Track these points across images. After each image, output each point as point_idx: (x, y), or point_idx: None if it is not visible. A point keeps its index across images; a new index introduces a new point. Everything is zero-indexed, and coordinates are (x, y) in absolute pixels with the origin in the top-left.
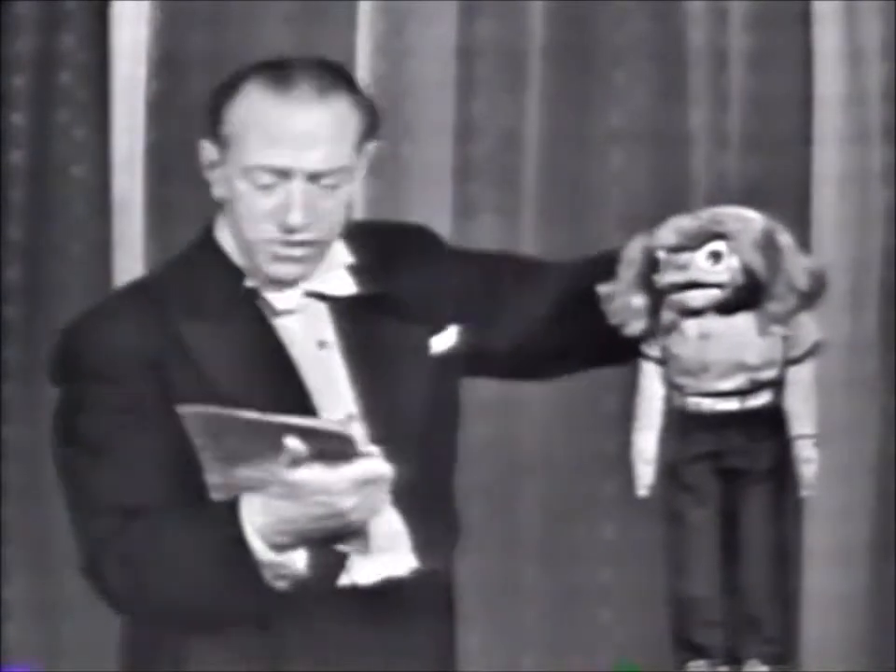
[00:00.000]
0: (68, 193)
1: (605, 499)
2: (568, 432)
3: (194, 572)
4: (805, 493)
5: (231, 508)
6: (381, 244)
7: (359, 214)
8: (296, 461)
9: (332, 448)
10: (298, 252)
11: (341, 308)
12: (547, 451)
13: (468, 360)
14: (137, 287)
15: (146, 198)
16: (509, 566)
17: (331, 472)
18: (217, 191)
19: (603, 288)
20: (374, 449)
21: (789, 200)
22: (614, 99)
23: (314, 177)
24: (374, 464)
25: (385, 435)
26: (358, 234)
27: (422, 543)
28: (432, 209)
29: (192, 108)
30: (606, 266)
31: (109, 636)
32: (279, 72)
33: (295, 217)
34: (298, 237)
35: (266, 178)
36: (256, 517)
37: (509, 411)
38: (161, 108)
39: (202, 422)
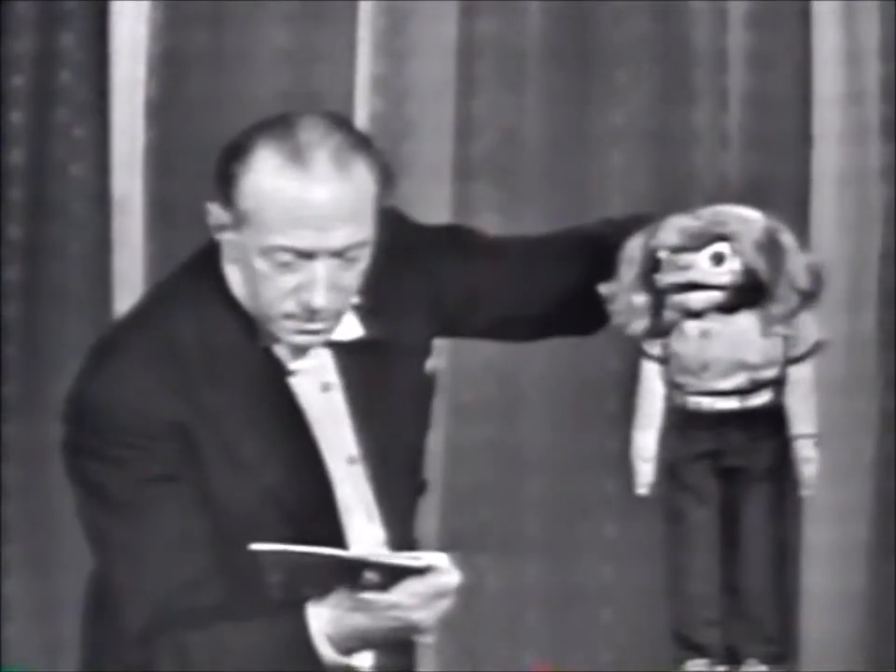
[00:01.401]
0: (67, 192)
1: (606, 498)
2: (570, 431)
3: None
4: (804, 492)
5: (298, 617)
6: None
7: None
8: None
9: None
10: (320, 326)
11: (344, 351)
12: (548, 450)
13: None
14: (148, 331)
15: (145, 197)
16: (510, 564)
17: (403, 590)
18: (229, 254)
19: (605, 288)
20: (442, 557)
21: (788, 199)
22: (615, 98)
23: (336, 254)
24: (445, 577)
25: (381, 473)
26: None
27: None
28: (432, 208)
29: (192, 107)
30: (572, 240)
31: None
32: (291, 141)
33: (318, 300)
34: (314, 319)
35: (287, 257)
36: (325, 627)
37: (510, 410)
38: (160, 107)
39: (275, 558)
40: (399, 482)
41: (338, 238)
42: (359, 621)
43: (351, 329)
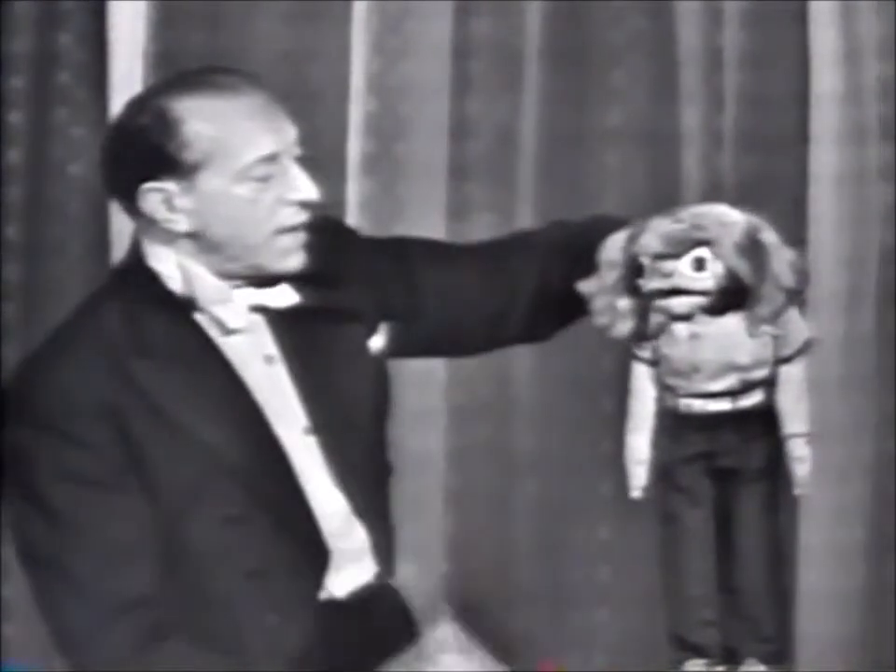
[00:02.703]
0: (66, 192)
1: (601, 500)
2: (564, 433)
3: None
4: (798, 492)
5: None
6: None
7: (354, 213)
8: None
9: None
10: (301, 237)
11: (279, 321)
12: (543, 452)
13: (398, 350)
14: (79, 326)
15: None
16: (504, 566)
17: None
18: (183, 225)
19: (584, 287)
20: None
21: (785, 198)
22: (610, 98)
23: (291, 153)
24: None
25: (337, 443)
26: None
27: (375, 546)
28: (427, 208)
29: None
30: (523, 244)
31: None
32: (203, 83)
33: (310, 191)
34: (306, 216)
35: (262, 169)
36: None
37: (504, 412)
38: None
39: None
40: (353, 455)
41: (289, 130)
42: None
43: (286, 295)
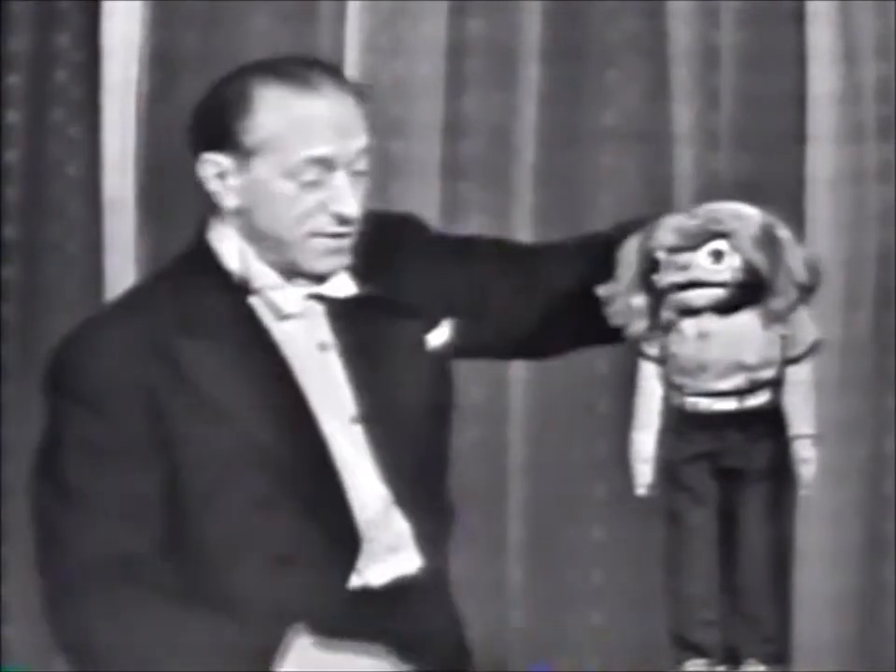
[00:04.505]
0: (63, 192)
1: (595, 501)
2: (558, 434)
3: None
4: (803, 492)
5: (272, 636)
6: (371, 238)
7: None
8: None
9: None
10: (343, 243)
11: (337, 309)
12: (537, 453)
13: (462, 349)
14: (130, 302)
15: (137, 196)
16: (498, 568)
17: None
18: (230, 201)
19: (603, 290)
20: None
21: (782, 199)
22: (606, 97)
23: (350, 164)
24: None
25: (384, 434)
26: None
27: (420, 539)
28: (421, 207)
29: (184, 107)
30: (596, 248)
31: None
32: (290, 73)
33: (350, 208)
34: (347, 228)
35: (312, 173)
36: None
37: (498, 413)
38: (152, 107)
39: None
40: (400, 446)
41: (354, 142)
42: None
43: (345, 285)
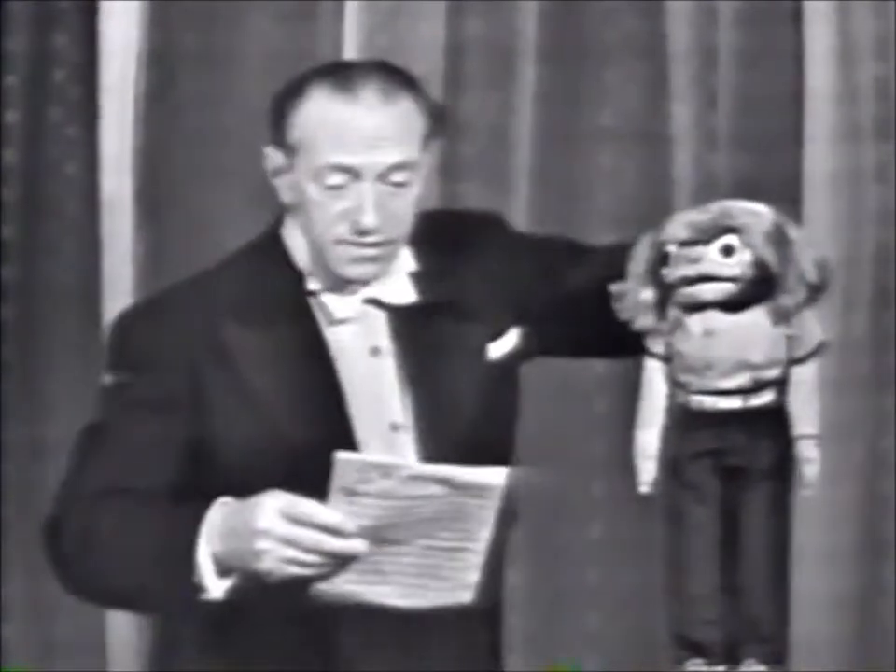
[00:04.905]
0: (60, 192)
1: (592, 500)
2: (555, 433)
3: (148, 558)
4: (805, 493)
5: (197, 509)
6: (448, 236)
7: None
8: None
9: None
10: (371, 252)
11: (399, 315)
12: (533, 452)
13: (528, 352)
14: (193, 283)
15: (135, 196)
16: None
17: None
18: (286, 196)
19: (615, 287)
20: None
21: (779, 199)
22: (603, 97)
23: (383, 176)
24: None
25: (432, 442)
26: (425, 230)
27: None
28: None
29: (181, 107)
30: None
31: (106, 636)
32: (343, 76)
33: (368, 219)
34: (370, 238)
35: (337, 178)
36: (216, 530)
37: None
38: (150, 107)
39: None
40: (448, 457)
41: (383, 156)
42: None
43: (405, 293)
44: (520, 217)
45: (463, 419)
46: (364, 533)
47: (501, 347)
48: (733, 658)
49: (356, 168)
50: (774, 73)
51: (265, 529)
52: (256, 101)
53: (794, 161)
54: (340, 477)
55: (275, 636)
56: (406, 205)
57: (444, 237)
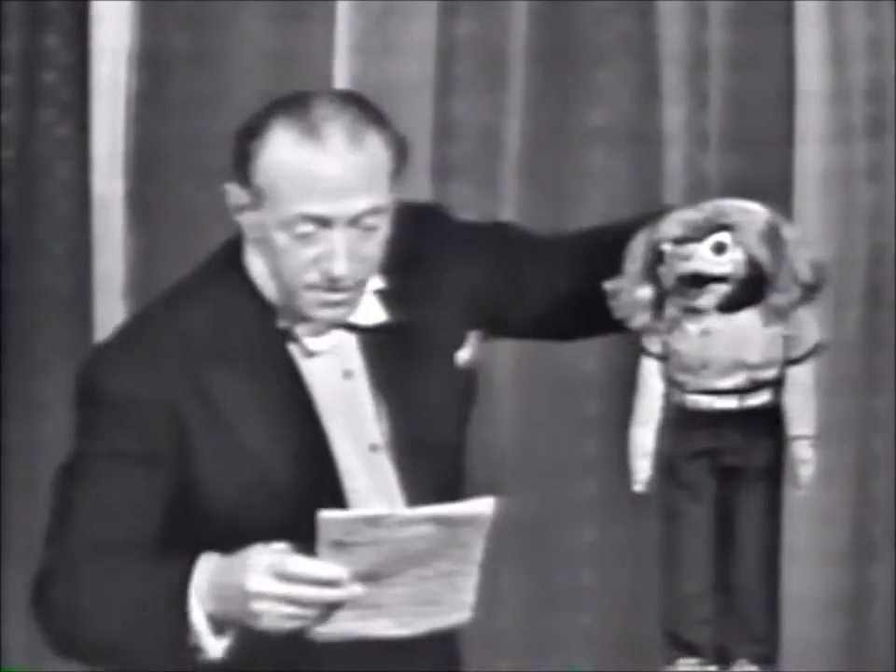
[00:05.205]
0: (52, 192)
1: (585, 502)
2: (548, 434)
3: (134, 617)
4: (800, 493)
5: (185, 563)
6: (398, 229)
7: None
8: None
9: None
10: (342, 297)
11: (368, 336)
12: (526, 453)
13: (489, 332)
14: (165, 317)
15: (126, 196)
16: (487, 568)
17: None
18: (250, 233)
19: (609, 285)
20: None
21: (771, 199)
22: (594, 98)
23: (353, 221)
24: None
25: (407, 461)
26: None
27: None
28: None
29: (172, 107)
30: (616, 234)
31: None
32: (306, 117)
33: (339, 268)
34: (341, 284)
35: (307, 227)
36: (206, 583)
37: (488, 413)
38: (141, 107)
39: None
40: (425, 470)
41: (353, 204)
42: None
43: (374, 313)
44: (512, 217)
45: (437, 435)
46: (358, 576)
47: (465, 354)
48: (724, 658)
49: (326, 217)
50: (765, 73)
51: (259, 592)
52: (248, 101)
53: (786, 161)
54: (327, 533)
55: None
56: (375, 247)
57: (398, 245)
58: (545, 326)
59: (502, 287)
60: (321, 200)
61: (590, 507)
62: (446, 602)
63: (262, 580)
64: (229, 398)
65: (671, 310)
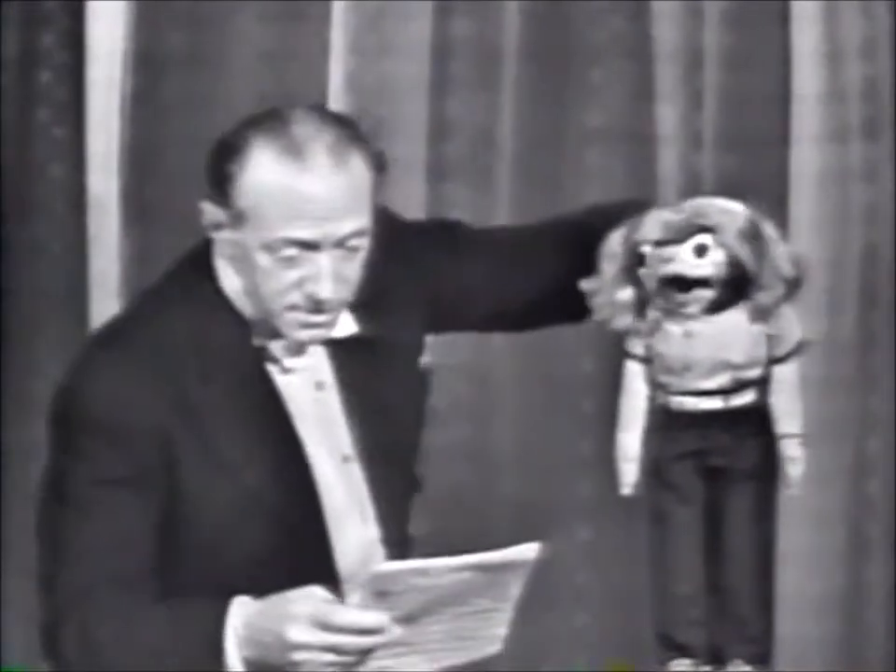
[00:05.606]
0: (47, 192)
1: (580, 501)
2: (543, 434)
3: (165, 664)
4: (790, 492)
5: (218, 608)
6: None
7: None
8: None
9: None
10: (324, 318)
11: (337, 347)
12: (521, 452)
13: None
14: (145, 336)
15: (121, 196)
16: None
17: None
18: (226, 252)
19: (587, 284)
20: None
21: (766, 199)
22: (589, 98)
23: (339, 243)
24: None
25: (381, 472)
26: None
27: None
28: (406, 208)
29: (168, 107)
30: (560, 229)
31: None
32: (287, 136)
33: (325, 290)
34: (325, 306)
35: (291, 251)
36: (243, 629)
37: (484, 412)
38: (136, 107)
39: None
40: (394, 479)
41: (339, 227)
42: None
43: (346, 326)
44: (506, 217)
45: (403, 441)
46: (398, 620)
47: (425, 361)
48: (718, 658)
49: (313, 242)
50: (760, 73)
51: (302, 643)
52: (243, 101)
53: (781, 161)
54: (375, 585)
55: None
56: (357, 267)
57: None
58: (496, 320)
59: (454, 286)
60: (307, 224)
61: (585, 506)
62: (480, 637)
63: (304, 630)
64: (211, 415)
65: (653, 312)
